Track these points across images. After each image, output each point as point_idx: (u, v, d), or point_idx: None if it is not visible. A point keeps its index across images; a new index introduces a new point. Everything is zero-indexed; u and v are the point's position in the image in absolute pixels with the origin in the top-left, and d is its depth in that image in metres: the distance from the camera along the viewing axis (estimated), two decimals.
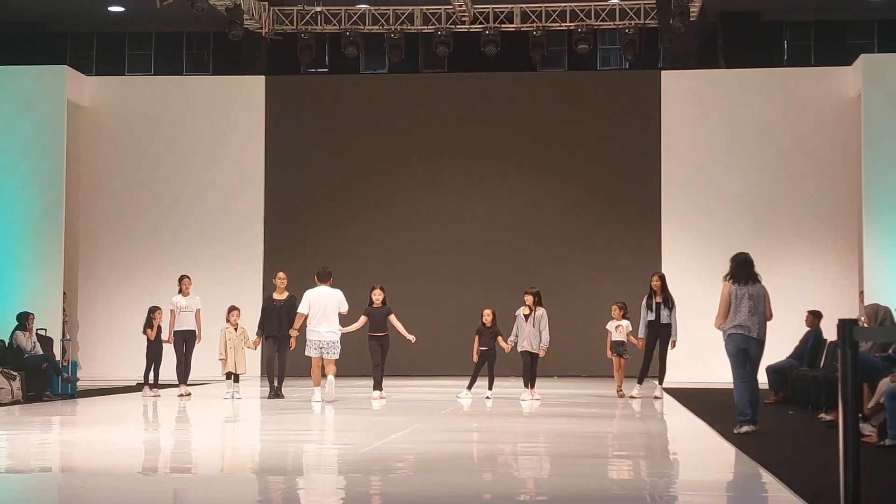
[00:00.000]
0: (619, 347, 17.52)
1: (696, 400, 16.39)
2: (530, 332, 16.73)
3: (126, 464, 9.87)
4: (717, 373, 14.19)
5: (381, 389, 16.79)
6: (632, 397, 17.09)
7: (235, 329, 17.47)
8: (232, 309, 17.63)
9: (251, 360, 18.80)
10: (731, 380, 11.99)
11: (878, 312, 13.22)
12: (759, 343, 11.82)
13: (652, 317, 16.98)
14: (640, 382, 17.37)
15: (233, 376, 17.33)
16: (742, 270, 11.94)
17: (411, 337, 16.99)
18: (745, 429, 11.65)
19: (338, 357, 16.40)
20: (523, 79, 25.01)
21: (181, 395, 17.59)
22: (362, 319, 16.80)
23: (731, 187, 23.19)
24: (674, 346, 17.13)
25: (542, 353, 16.90)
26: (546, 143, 24.14)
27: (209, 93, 24.67)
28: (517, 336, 16.86)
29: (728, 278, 11.96)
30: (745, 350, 11.80)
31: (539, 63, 24.39)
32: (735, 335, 11.77)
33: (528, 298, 16.84)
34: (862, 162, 21.74)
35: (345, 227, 24.11)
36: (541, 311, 16.82)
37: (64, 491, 8.60)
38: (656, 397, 17.10)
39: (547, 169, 24.03)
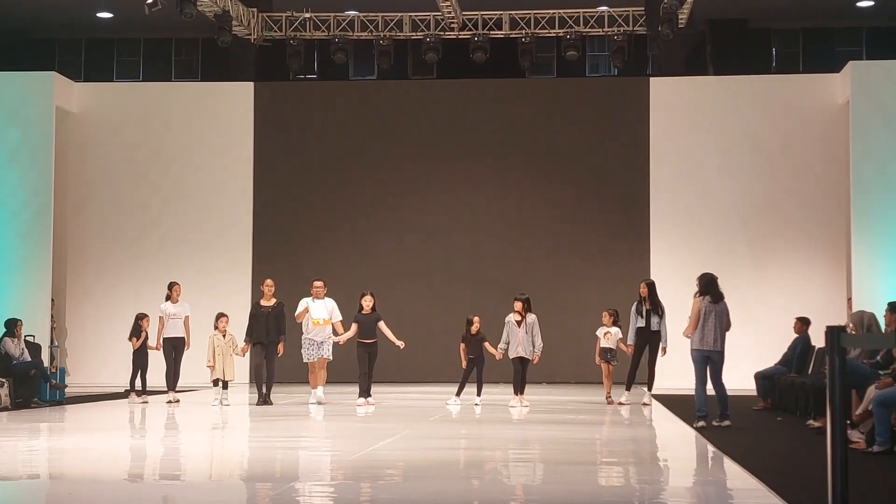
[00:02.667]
0: (607, 354, 17.51)
1: (685, 406, 16.39)
2: (523, 338, 16.71)
3: (114, 471, 9.85)
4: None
5: (367, 396, 16.78)
6: (620, 404, 17.09)
7: (224, 336, 17.44)
8: (220, 316, 17.61)
9: (239, 367, 18.77)
10: (714, 386, 13.55)
11: (864, 319, 13.27)
12: (721, 353, 13.63)
13: (642, 323, 16.98)
14: (627, 389, 17.37)
15: (221, 383, 17.30)
16: (713, 289, 13.62)
17: (400, 343, 16.99)
18: (700, 423, 13.27)
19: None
20: (512, 85, 25.04)
21: (169, 402, 17.55)
22: (354, 327, 16.80)
23: (720, 194, 23.23)
24: (664, 353, 17.14)
25: (535, 360, 16.91)
26: (535, 149, 24.15)
27: (198, 99, 24.64)
28: (507, 343, 16.84)
29: (699, 295, 13.61)
30: (707, 359, 13.59)
31: (528, 70, 24.41)
32: (700, 350, 13.52)
33: (519, 305, 16.81)
34: (850, 169, 21.79)
35: (333, 233, 24.11)
36: (532, 316, 16.82)
37: (52, 498, 8.57)
38: (645, 404, 17.11)
39: (536, 176, 24.05)
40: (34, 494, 8.80)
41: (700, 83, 24.30)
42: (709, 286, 13.63)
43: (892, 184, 21.54)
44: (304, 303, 16.95)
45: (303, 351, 17.03)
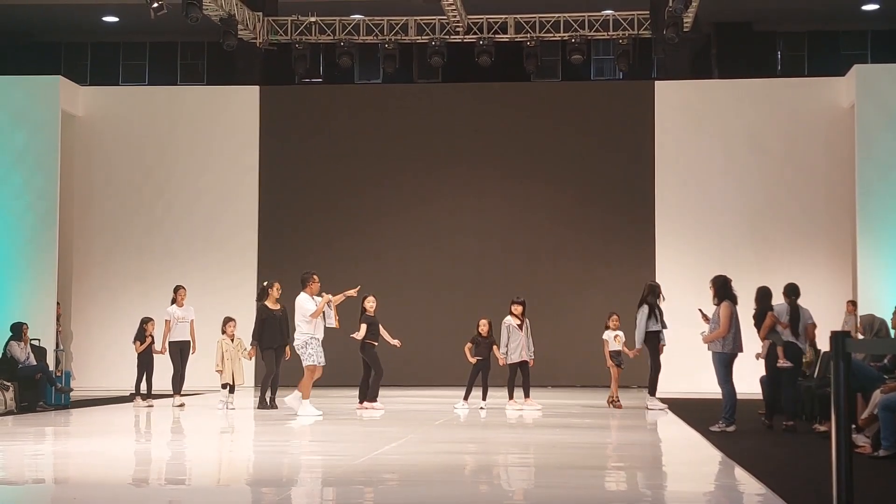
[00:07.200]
0: (617, 357, 17.50)
1: (690, 410, 16.39)
2: (525, 341, 16.77)
3: (119, 475, 9.85)
4: (712, 383, 14.22)
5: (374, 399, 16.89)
6: (648, 409, 16.94)
7: (232, 340, 17.43)
8: (228, 320, 17.60)
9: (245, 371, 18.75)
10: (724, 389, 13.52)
11: (874, 324, 13.31)
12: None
13: (657, 327, 16.93)
14: (653, 394, 17.21)
15: (229, 387, 17.31)
16: (731, 292, 13.69)
17: (396, 342, 17.11)
18: (733, 427, 13.31)
19: (305, 363, 15.90)
20: (517, 89, 25.04)
21: (178, 406, 17.58)
22: (363, 328, 16.79)
23: (725, 197, 23.21)
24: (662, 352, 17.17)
25: (532, 363, 16.99)
26: (540, 153, 24.15)
27: (203, 103, 24.66)
28: (507, 346, 16.85)
29: (717, 299, 13.66)
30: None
31: (533, 73, 24.44)
32: (733, 353, 13.60)
33: (519, 308, 16.89)
34: (855, 172, 21.77)
35: (339, 236, 24.11)
36: (527, 319, 16.95)
37: (57, 502, 8.58)
38: (649, 408, 17.04)
39: (541, 179, 24.05)
40: (39, 499, 8.81)
41: (705, 86, 24.28)
42: (727, 290, 13.64)
43: None
44: (310, 299, 15.88)
45: (312, 351, 15.66)
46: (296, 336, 15.88)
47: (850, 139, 22.20)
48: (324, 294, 15.94)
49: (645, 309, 16.85)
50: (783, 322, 13.88)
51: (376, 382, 16.94)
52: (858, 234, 21.59)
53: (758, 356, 14.75)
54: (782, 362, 13.91)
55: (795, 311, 13.93)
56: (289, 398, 15.90)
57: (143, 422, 15.81)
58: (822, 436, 12.36)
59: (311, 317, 15.68)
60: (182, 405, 17.67)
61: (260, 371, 19.76)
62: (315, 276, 16.05)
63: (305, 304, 15.82)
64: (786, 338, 13.89)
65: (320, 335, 15.86)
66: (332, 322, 16.06)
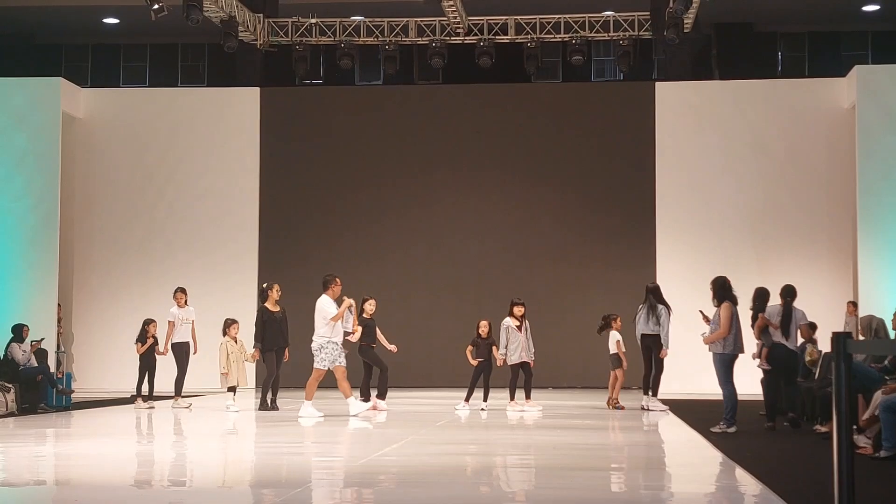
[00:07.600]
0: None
1: (691, 411, 16.38)
2: (525, 342, 16.79)
3: (121, 476, 9.85)
4: (713, 384, 14.23)
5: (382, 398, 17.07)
6: (650, 409, 16.95)
7: (235, 342, 17.43)
8: (232, 322, 17.56)
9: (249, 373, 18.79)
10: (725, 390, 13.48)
11: (872, 324, 13.31)
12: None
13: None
14: (655, 394, 17.24)
15: (234, 389, 17.32)
16: (731, 293, 13.54)
17: (392, 347, 17.19)
18: (734, 429, 13.21)
19: (316, 366, 15.71)
20: (518, 90, 25.05)
21: (186, 407, 17.60)
22: (360, 329, 16.84)
23: (726, 198, 23.21)
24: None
25: (532, 364, 17.02)
26: (540, 154, 24.16)
27: (204, 104, 24.67)
28: (507, 348, 16.85)
29: (717, 300, 13.55)
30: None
31: (534, 74, 24.45)
32: (734, 354, 13.45)
33: (520, 310, 16.89)
34: (856, 173, 21.77)
35: (339, 237, 24.12)
36: (527, 321, 16.98)
37: None
38: (651, 409, 17.05)
39: (541, 180, 24.05)
40: (40, 501, 8.81)
41: (706, 87, 24.28)
42: (727, 291, 13.56)
43: None
44: (331, 302, 15.65)
45: (325, 355, 15.47)
46: (313, 338, 15.66)
47: (851, 140, 22.20)
48: (345, 298, 15.87)
49: (666, 311, 16.89)
50: (773, 323, 13.89)
51: (383, 380, 17.04)
52: (859, 235, 21.59)
53: (753, 356, 14.78)
54: (761, 364, 14.02)
55: (788, 313, 13.92)
56: (351, 408, 15.72)
57: (144, 423, 15.81)
58: (822, 436, 12.36)
59: (332, 320, 15.52)
60: (190, 406, 17.70)
61: (260, 373, 19.78)
62: (337, 279, 15.88)
63: (327, 306, 15.61)
64: (776, 339, 13.91)
65: (339, 338, 15.70)
66: (350, 326, 16.13)
